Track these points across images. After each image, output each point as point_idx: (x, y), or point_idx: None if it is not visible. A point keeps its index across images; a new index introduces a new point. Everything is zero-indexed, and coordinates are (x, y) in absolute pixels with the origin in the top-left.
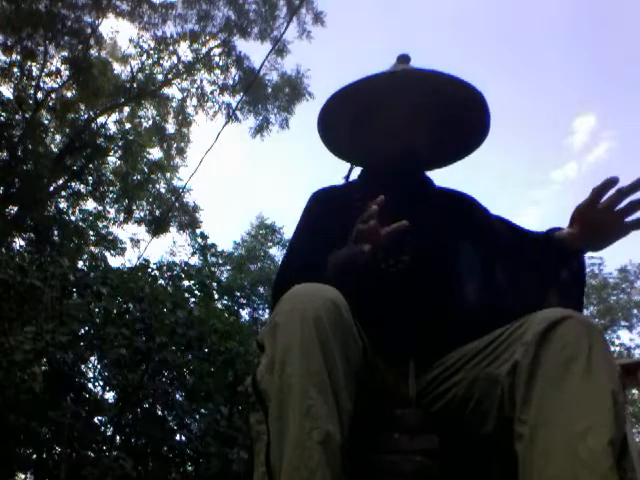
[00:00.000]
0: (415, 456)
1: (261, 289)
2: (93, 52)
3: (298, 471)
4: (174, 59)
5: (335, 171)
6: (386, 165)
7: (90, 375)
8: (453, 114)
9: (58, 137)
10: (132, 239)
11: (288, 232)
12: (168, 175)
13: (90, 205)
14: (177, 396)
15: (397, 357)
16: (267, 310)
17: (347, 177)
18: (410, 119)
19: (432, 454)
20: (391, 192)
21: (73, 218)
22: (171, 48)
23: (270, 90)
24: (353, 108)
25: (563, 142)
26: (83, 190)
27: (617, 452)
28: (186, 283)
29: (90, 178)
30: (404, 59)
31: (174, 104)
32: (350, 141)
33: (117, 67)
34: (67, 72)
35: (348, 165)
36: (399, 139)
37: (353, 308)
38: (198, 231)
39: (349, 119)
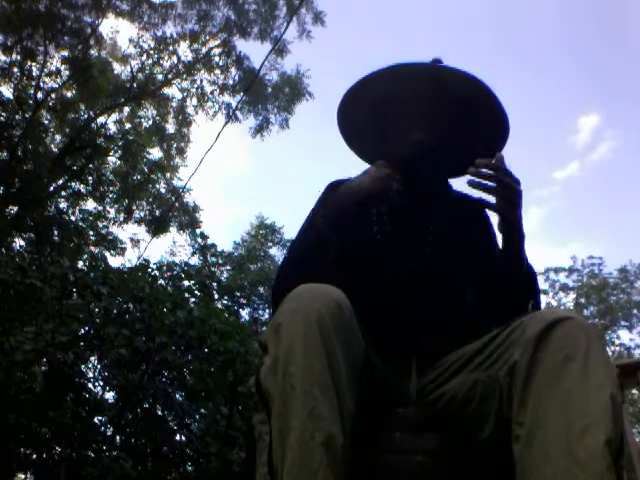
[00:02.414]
0: (415, 456)
1: (261, 289)
2: (93, 52)
3: (300, 472)
4: (174, 59)
5: (336, 171)
6: (403, 161)
7: (90, 375)
8: (474, 123)
9: (58, 137)
10: (132, 239)
11: (288, 232)
12: (168, 175)
13: (90, 205)
14: (177, 396)
15: (399, 356)
16: (267, 310)
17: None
18: (431, 115)
19: (432, 454)
20: (408, 190)
21: (73, 218)
22: (171, 48)
23: (270, 90)
24: (376, 96)
25: (566, 141)
26: (83, 190)
27: (614, 452)
28: (186, 283)
29: (90, 178)
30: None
31: (174, 104)
32: (368, 135)
33: (117, 67)
34: (67, 72)
35: (351, 162)
36: (417, 132)
37: (357, 307)
38: (198, 231)
39: (370, 109)
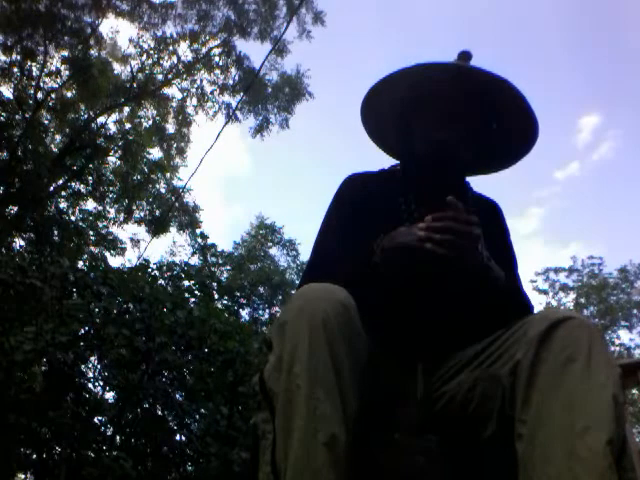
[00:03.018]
0: (417, 456)
1: (261, 289)
2: (93, 52)
3: (302, 472)
4: (174, 59)
5: (336, 171)
6: (425, 160)
7: (90, 375)
8: (501, 123)
9: (58, 137)
10: (132, 239)
11: (288, 232)
12: (168, 175)
13: (90, 205)
14: (177, 396)
15: (404, 357)
16: (267, 310)
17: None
18: (456, 114)
19: (434, 454)
20: (427, 190)
21: (73, 218)
22: (171, 48)
23: (270, 90)
24: (402, 94)
25: (567, 141)
26: (83, 190)
27: (616, 451)
28: (186, 283)
29: (90, 178)
30: (465, 56)
31: (174, 104)
32: (392, 130)
33: (117, 67)
34: (67, 72)
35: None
36: (437, 133)
37: (362, 308)
38: (198, 231)
39: (395, 106)
